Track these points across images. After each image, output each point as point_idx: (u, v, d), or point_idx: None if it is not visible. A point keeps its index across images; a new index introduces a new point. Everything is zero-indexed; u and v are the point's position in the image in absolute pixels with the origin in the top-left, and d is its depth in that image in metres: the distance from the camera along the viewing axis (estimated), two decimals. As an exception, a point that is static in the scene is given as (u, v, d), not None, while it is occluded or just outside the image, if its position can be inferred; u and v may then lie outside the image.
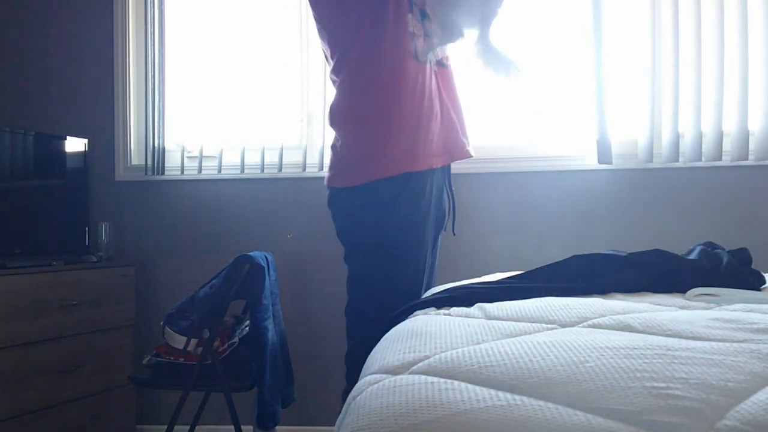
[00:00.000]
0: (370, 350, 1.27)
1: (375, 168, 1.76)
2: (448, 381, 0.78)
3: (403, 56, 1.77)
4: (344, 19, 1.77)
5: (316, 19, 1.87)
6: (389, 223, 1.76)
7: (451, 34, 1.80)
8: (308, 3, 1.88)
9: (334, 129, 1.88)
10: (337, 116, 1.84)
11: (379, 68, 1.76)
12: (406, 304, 1.40)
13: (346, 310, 1.87)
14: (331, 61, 1.87)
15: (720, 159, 2.36)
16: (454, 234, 2.02)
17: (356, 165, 1.79)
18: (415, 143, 1.78)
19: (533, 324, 1.07)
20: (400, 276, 1.76)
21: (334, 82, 1.87)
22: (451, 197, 1.99)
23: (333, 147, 1.89)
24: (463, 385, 0.76)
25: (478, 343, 0.94)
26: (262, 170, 2.70)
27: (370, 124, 1.77)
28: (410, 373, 0.85)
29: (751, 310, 1.14)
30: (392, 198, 1.76)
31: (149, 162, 2.72)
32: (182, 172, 2.74)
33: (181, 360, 2.12)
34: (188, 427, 2.34)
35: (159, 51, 2.71)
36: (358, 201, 1.79)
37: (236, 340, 2.22)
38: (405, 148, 1.77)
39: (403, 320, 1.30)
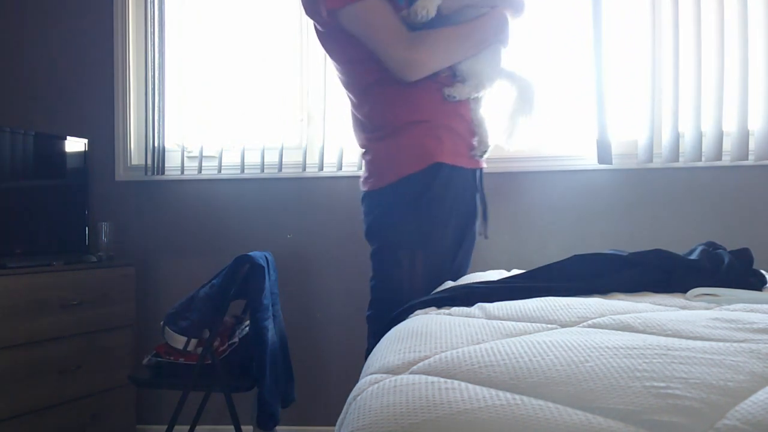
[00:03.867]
0: None
1: (398, 168, 1.75)
2: (449, 380, 0.78)
3: None
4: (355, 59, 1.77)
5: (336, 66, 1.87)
6: (412, 222, 1.74)
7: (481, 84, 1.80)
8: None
9: (367, 150, 1.86)
10: (365, 138, 1.84)
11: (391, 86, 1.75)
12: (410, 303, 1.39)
13: (368, 307, 1.86)
14: (354, 99, 1.87)
15: (720, 159, 2.36)
16: (487, 237, 2.00)
17: (383, 167, 1.78)
18: (439, 140, 1.75)
19: (533, 324, 1.07)
20: (418, 277, 1.73)
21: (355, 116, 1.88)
22: (483, 201, 1.93)
23: (365, 160, 1.87)
24: (463, 384, 0.76)
25: (479, 343, 0.94)
26: (262, 170, 2.70)
27: (392, 130, 1.76)
28: (410, 373, 0.85)
29: (751, 310, 1.14)
30: (418, 195, 1.73)
31: (149, 162, 2.72)
32: (182, 172, 2.74)
33: (181, 360, 2.12)
34: (188, 427, 2.34)
35: (159, 51, 2.71)
36: (385, 201, 1.77)
37: (236, 340, 2.22)
38: (428, 145, 1.74)
39: (404, 320, 1.30)
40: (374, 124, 1.80)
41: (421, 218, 1.75)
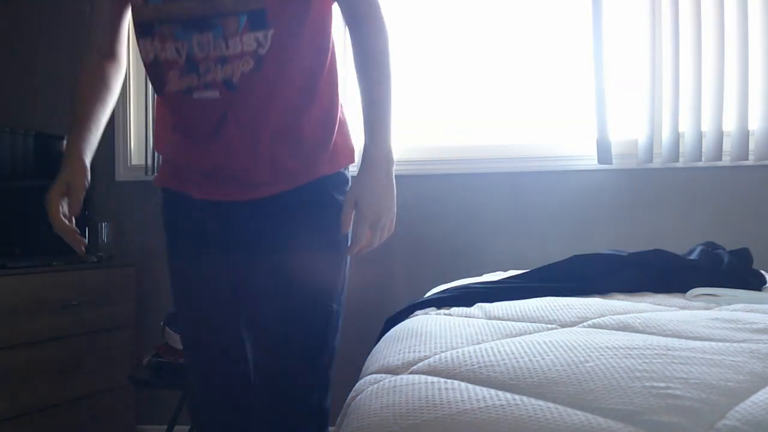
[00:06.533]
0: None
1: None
2: (448, 381, 0.78)
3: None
4: None
5: None
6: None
7: None
8: None
9: None
10: None
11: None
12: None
13: None
14: None
15: (720, 159, 2.36)
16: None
17: None
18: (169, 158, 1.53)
19: (533, 324, 1.08)
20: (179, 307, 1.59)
21: None
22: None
23: None
24: (463, 384, 0.76)
25: (479, 343, 0.94)
26: (262, 170, 2.70)
27: None
28: (410, 373, 0.85)
29: (751, 310, 1.14)
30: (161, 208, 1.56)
31: (149, 162, 2.72)
32: (182, 172, 2.73)
33: (181, 360, 2.12)
34: (188, 428, 2.34)
35: (159, 51, 2.70)
36: None
37: (236, 340, 2.22)
38: (165, 161, 1.56)
39: (403, 320, 1.30)
40: None
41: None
